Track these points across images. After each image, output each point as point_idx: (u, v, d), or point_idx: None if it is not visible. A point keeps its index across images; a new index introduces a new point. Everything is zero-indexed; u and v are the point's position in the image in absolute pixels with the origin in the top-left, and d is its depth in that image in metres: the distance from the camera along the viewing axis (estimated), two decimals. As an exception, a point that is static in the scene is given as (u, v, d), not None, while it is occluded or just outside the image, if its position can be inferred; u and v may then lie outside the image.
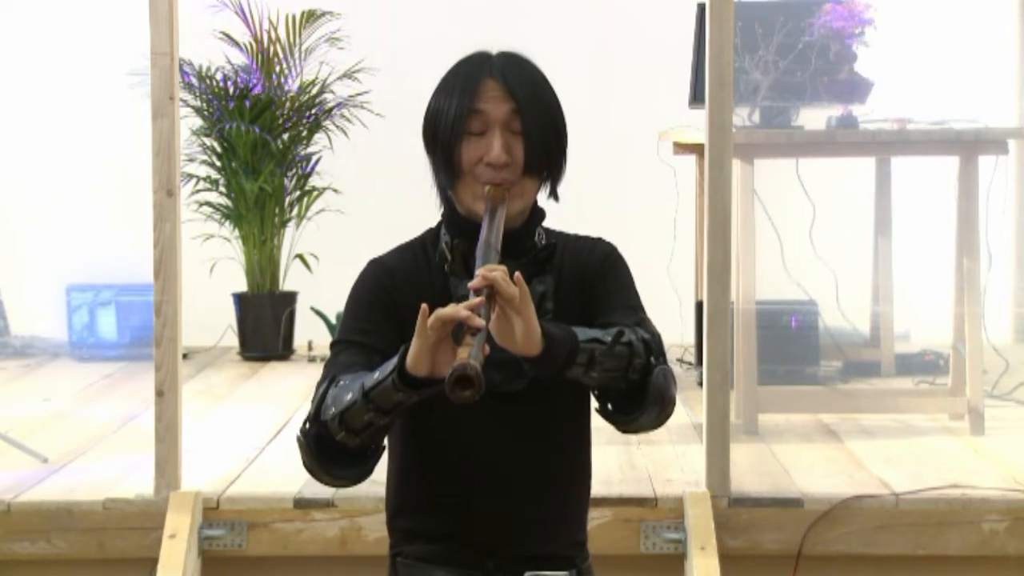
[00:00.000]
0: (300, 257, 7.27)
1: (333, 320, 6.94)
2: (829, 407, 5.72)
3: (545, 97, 2.71)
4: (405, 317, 2.62)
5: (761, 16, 5.57)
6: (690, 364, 6.60)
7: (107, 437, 5.40)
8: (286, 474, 4.64)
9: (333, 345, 2.72)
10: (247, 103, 7.09)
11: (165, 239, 4.42)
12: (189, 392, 5.44)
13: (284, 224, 7.23)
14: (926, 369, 6.34)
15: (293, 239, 7.27)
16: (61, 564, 4.48)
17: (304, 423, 2.62)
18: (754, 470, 4.82)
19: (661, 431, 5.31)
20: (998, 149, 5.51)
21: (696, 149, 6.13)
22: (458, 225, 2.73)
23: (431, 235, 2.78)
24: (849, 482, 4.67)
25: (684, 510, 4.42)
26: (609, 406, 2.65)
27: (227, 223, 7.21)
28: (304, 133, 7.24)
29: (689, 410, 5.68)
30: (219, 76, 7.13)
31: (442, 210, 2.77)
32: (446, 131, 2.68)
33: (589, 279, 2.75)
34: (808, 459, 5.01)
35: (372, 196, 7.30)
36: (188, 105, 7.06)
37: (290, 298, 7.19)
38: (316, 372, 2.70)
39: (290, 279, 7.27)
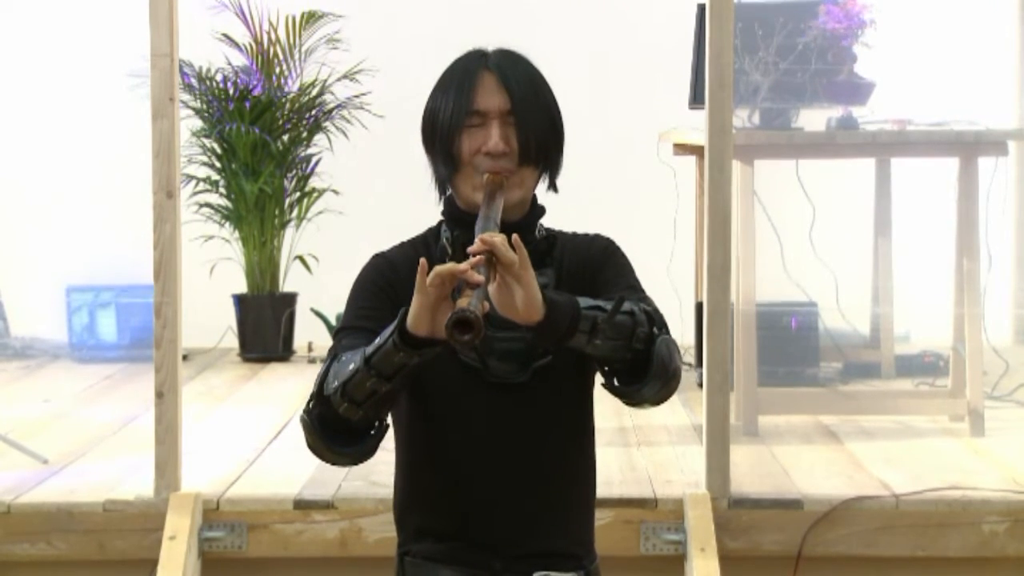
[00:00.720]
0: (300, 258, 7.27)
1: (333, 321, 6.93)
2: (829, 408, 5.72)
3: (541, 89, 2.75)
4: (405, 306, 2.63)
5: (761, 17, 5.57)
6: (690, 365, 6.59)
7: (107, 438, 5.40)
8: (286, 475, 4.64)
9: (335, 334, 2.74)
10: (247, 104, 7.09)
11: (165, 240, 4.42)
12: (189, 393, 5.44)
13: (284, 225, 7.23)
14: (926, 370, 6.34)
15: (293, 240, 7.27)
16: (61, 565, 4.48)
17: (307, 403, 2.64)
18: (754, 471, 4.82)
19: (661, 432, 5.35)
20: (998, 150, 5.51)
21: (696, 150, 6.13)
22: (458, 219, 2.75)
23: (432, 232, 2.81)
24: (849, 483, 4.67)
25: (684, 511, 4.42)
26: (615, 381, 2.65)
27: (227, 224, 7.21)
28: (304, 134, 7.24)
29: (689, 411, 5.68)
30: (219, 77, 7.13)
31: (442, 207, 2.78)
32: (444, 124, 2.71)
33: (589, 271, 2.77)
34: (808, 460, 5.01)
35: (372, 197, 7.29)
36: (188, 106, 7.06)
37: (290, 299, 7.19)
38: (316, 373, 2.70)
39: (290, 280, 7.27)
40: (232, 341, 7.30)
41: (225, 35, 7.17)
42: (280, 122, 7.17)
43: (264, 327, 7.16)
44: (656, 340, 2.61)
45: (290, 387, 6.37)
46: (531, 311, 2.50)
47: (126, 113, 6.58)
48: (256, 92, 7.14)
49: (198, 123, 7.18)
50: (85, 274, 7.39)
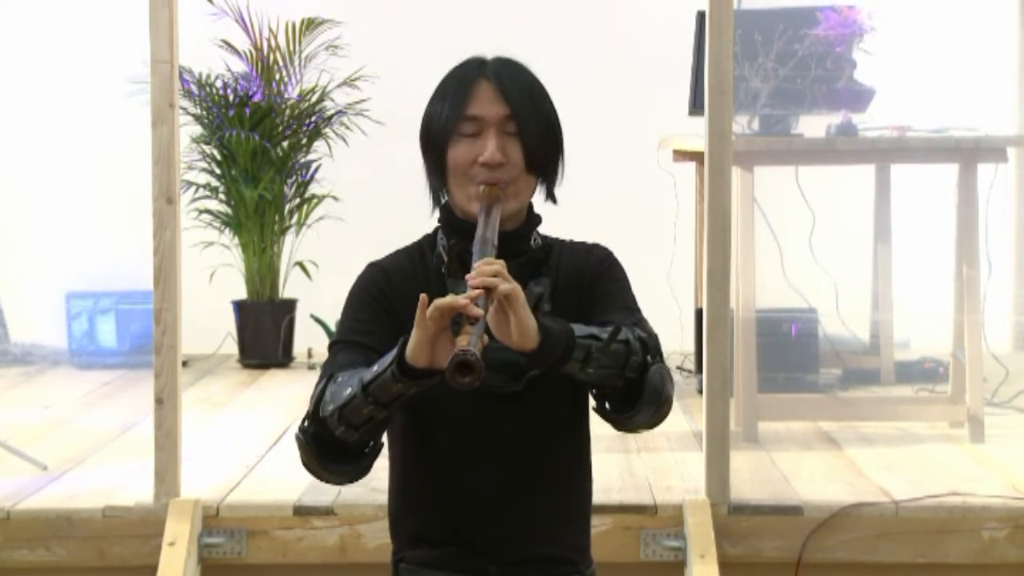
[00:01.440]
0: (300, 264, 7.27)
1: (332, 328, 6.93)
2: (829, 415, 5.72)
3: (539, 99, 2.73)
4: (402, 319, 2.63)
5: (761, 24, 5.57)
6: (690, 371, 6.59)
7: (106, 445, 5.40)
8: (286, 481, 4.64)
9: (331, 346, 2.74)
10: (247, 111, 7.09)
11: (165, 246, 4.42)
12: (188, 400, 5.44)
13: (284, 231, 7.23)
14: (926, 377, 6.34)
15: (293, 246, 7.27)
16: (60, 572, 4.48)
17: (303, 421, 2.64)
18: (754, 477, 4.82)
19: (660, 438, 5.35)
20: (997, 157, 5.51)
21: (696, 157, 6.13)
22: (454, 227, 2.74)
23: (428, 240, 2.80)
24: (849, 490, 4.67)
25: (684, 518, 4.42)
26: (606, 405, 2.65)
27: (227, 230, 7.21)
28: (304, 140, 7.24)
29: (689, 418, 5.68)
30: (219, 84, 7.13)
31: (438, 214, 2.78)
32: (440, 132, 2.71)
33: (586, 282, 2.76)
34: (808, 467, 5.01)
35: (372, 203, 7.29)
36: (188, 112, 7.06)
37: (290, 305, 7.19)
38: (316, 379, 2.70)
39: (290, 286, 7.27)
40: (232, 347, 7.30)
41: (225, 41, 7.17)
42: (280, 128, 7.17)
43: (264, 333, 7.16)
44: (650, 369, 2.61)
45: (290, 393, 6.37)
46: (525, 339, 2.50)
47: (126, 119, 6.58)
48: (256, 98, 7.14)
49: (198, 129, 7.18)
50: (85, 280, 7.39)
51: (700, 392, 4.93)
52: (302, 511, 4.47)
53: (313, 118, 7.22)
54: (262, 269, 7.16)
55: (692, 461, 4.90)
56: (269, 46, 7.17)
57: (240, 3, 7.13)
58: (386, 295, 2.73)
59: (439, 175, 2.73)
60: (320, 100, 7.21)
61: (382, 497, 2.84)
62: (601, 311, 2.72)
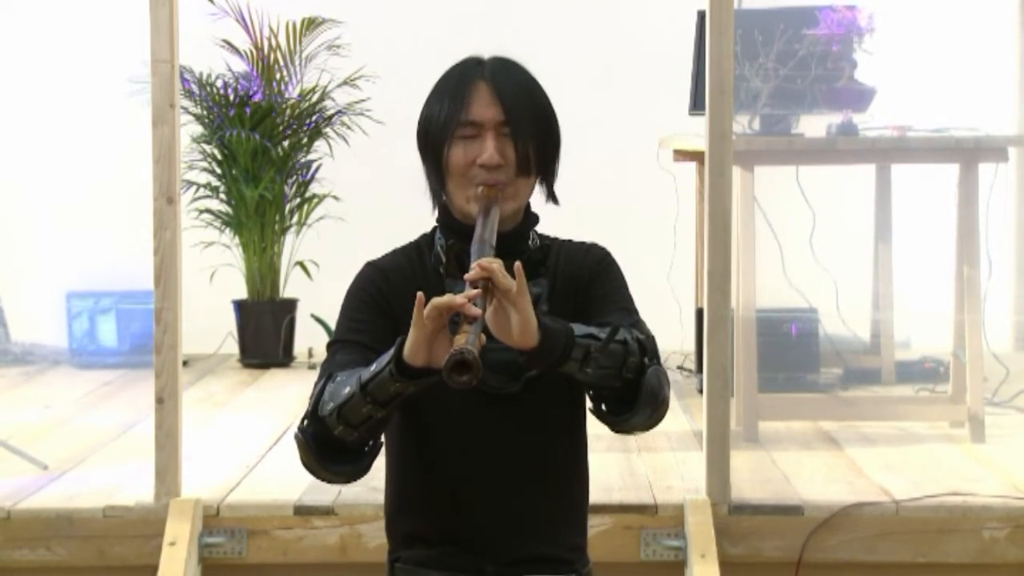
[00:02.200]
0: (300, 264, 7.27)
1: (333, 327, 6.93)
2: (829, 414, 5.72)
3: (536, 100, 2.73)
4: (400, 319, 2.64)
5: (761, 23, 5.57)
6: (690, 371, 6.59)
7: (107, 444, 5.40)
8: (286, 481, 4.64)
9: (329, 346, 2.75)
10: (247, 110, 7.09)
11: (165, 246, 4.42)
12: (189, 399, 5.44)
13: (284, 231, 7.23)
14: (926, 376, 6.34)
15: (293, 246, 7.27)
16: (61, 572, 4.48)
17: (302, 421, 2.64)
18: (754, 477, 4.82)
19: (661, 438, 5.35)
20: (998, 157, 5.51)
21: (696, 156, 6.13)
22: (452, 228, 2.74)
23: (426, 239, 2.80)
24: (849, 489, 4.67)
25: (684, 517, 4.42)
26: (603, 406, 2.66)
27: (227, 230, 7.21)
28: (304, 140, 7.24)
29: (689, 417, 5.68)
30: (219, 83, 7.13)
31: (436, 214, 2.78)
32: (437, 134, 2.71)
33: (583, 282, 2.76)
34: (808, 466, 5.01)
35: (372, 203, 7.29)
36: (188, 112, 7.06)
37: (290, 305, 7.19)
38: (315, 381, 2.70)
39: (290, 286, 7.26)
40: (232, 347, 7.30)
41: (225, 41, 7.17)
42: (280, 128, 7.17)
43: (264, 333, 7.16)
44: (647, 370, 2.61)
45: (290, 393, 6.37)
46: (526, 337, 2.50)
47: (126, 119, 6.59)
48: (256, 98, 7.14)
49: (198, 129, 7.18)
50: (85, 280, 7.38)
51: (700, 392, 4.93)
52: (302, 511, 4.47)
53: (314, 118, 7.22)
54: (262, 269, 7.16)
55: (692, 461, 4.90)
56: (270, 46, 7.17)
57: (240, 3, 7.13)
58: (384, 294, 2.73)
59: (437, 176, 2.73)
60: (321, 100, 7.21)
61: (382, 496, 2.84)
62: (599, 312, 2.72)
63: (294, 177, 7.25)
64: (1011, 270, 7.38)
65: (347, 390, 2.56)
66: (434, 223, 2.80)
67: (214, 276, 7.16)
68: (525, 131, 2.70)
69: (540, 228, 2.81)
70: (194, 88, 7.08)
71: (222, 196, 7.20)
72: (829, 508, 4.47)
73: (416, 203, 2.85)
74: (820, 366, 6.25)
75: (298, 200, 7.26)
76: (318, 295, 7.05)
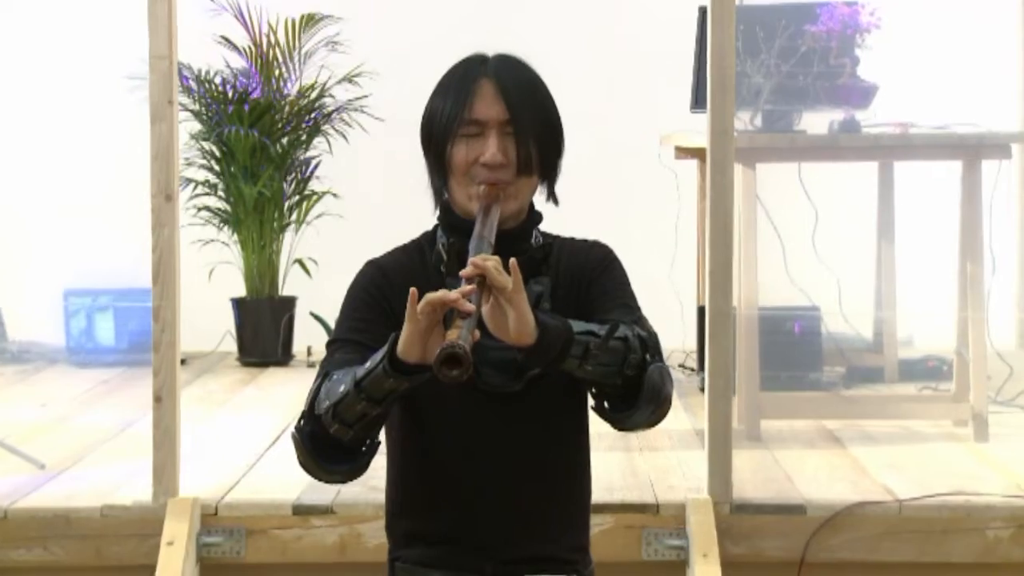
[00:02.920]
0: (299, 262, 7.27)
1: (332, 325, 6.92)
2: (832, 413, 5.71)
3: (540, 98, 2.74)
4: (400, 317, 2.63)
5: (763, 19, 5.56)
6: (692, 370, 6.59)
7: (105, 443, 5.39)
8: (285, 480, 4.64)
9: (329, 345, 2.75)
10: (246, 107, 7.09)
11: (163, 244, 4.42)
12: (187, 398, 5.43)
13: (283, 229, 7.23)
14: (930, 375, 6.34)
15: (292, 244, 7.26)
16: (58, 572, 4.47)
17: (299, 420, 2.64)
18: (756, 476, 4.81)
19: (662, 437, 5.34)
20: (1001, 153, 5.51)
21: (698, 154, 6.13)
22: (454, 226, 2.74)
23: (427, 237, 2.81)
24: (852, 489, 4.67)
25: (686, 517, 4.41)
26: (605, 403, 2.65)
27: (226, 228, 7.20)
28: (303, 137, 7.23)
29: (691, 416, 5.68)
30: (218, 80, 7.12)
31: (438, 212, 2.78)
32: (440, 132, 2.71)
33: (585, 280, 2.76)
34: (811, 465, 5.00)
35: (372, 200, 7.29)
36: (187, 109, 7.05)
37: (289, 303, 7.19)
38: (314, 379, 2.70)
39: (289, 284, 7.26)
40: (231, 345, 7.29)
41: (224, 38, 7.16)
42: (279, 125, 7.17)
43: (263, 331, 7.15)
44: (648, 367, 2.61)
45: (289, 392, 6.36)
46: (523, 334, 2.50)
47: (124, 116, 6.58)
48: (255, 95, 7.13)
49: (197, 126, 7.17)
50: (83, 277, 7.38)
51: (702, 390, 4.92)
52: (301, 510, 4.47)
53: (313, 114, 7.22)
54: (261, 266, 7.15)
55: (694, 460, 4.89)
56: (268, 42, 7.17)
57: (239, -1, 7.13)
58: (384, 293, 2.73)
59: (440, 174, 2.73)
60: (320, 96, 7.21)
61: (382, 496, 2.84)
62: (601, 309, 2.72)
63: (293, 174, 7.24)
64: (1015, 267, 7.38)
65: (342, 388, 2.56)
66: (435, 221, 2.80)
67: (212, 274, 7.15)
68: (528, 131, 2.70)
69: (541, 226, 2.80)
70: (192, 85, 7.07)
71: (220, 193, 7.20)
72: (832, 508, 4.46)
73: (417, 201, 2.85)
74: (823, 364, 6.24)
75: (297, 197, 7.26)
76: (317, 293, 7.04)
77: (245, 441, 5.38)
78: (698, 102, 5.93)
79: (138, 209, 4.74)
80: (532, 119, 2.71)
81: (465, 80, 2.72)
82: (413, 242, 2.82)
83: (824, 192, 6.02)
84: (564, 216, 2.89)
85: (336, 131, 7.25)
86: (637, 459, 5.05)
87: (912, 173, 6.60)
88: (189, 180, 7.13)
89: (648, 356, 2.63)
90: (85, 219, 7.58)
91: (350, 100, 7.23)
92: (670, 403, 2.67)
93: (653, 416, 2.65)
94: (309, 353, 7.24)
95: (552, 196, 2.78)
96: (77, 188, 7.62)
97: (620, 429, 2.69)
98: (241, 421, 5.85)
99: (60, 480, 4.84)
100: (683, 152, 6.39)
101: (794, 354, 6.11)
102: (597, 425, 2.76)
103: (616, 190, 7.45)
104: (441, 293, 2.46)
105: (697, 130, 5.82)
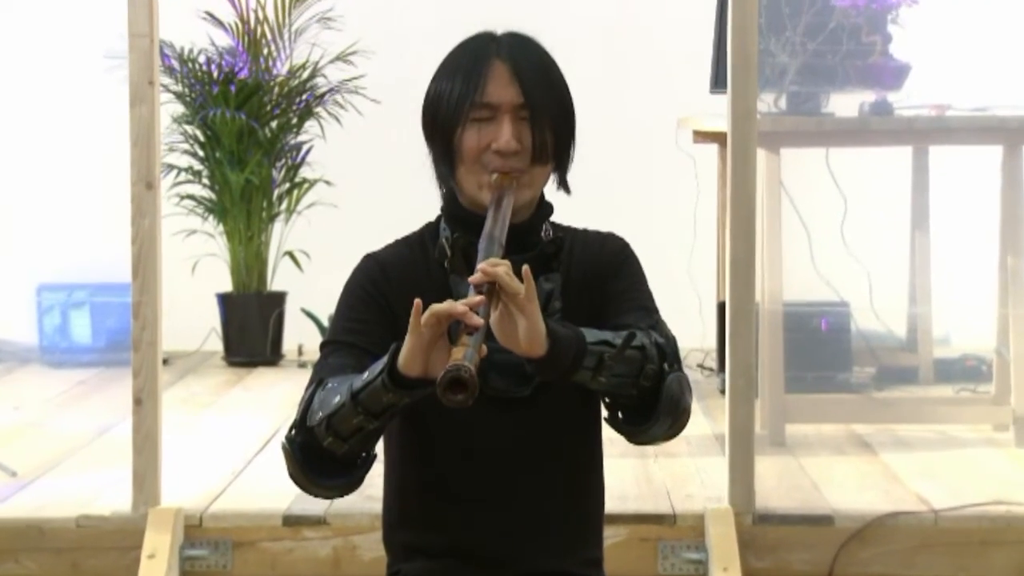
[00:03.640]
0: (290, 255, 7.28)
1: (325, 322, 6.94)
2: (862, 416, 5.72)
3: (555, 81, 2.73)
4: (400, 317, 2.64)
5: (788, -7, 5.57)
6: (711, 370, 6.60)
7: (81, 449, 5.41)
8: (274, 489, 4.64)
9: (323, 346, 2.74)
10: (232, 88, 7.09)
11: (144, 235, 4.43)
12: (170, 400, 5.44)
13: (272, 219, 7.23)
14: (968, 376, 6.34)
15: (282, 235, 7.27)
16: (31, 586, 4.49)
17: (290, 430, 2.64)
18: (781, 485, 4.82)
19: (680, 443, 5.34)
20: (1045, 137, 5.51)
21: (718, 138, 6.13)
22: (459, 218, 2.74)
23: (430, 229, 2.79)
24: (884, 498, 4.68)
25: (705, 528, 4.42)
26: (619, 414, 2.65)
27: (211, 218, 7.21)
28: (294, 120, 7.24)
29: (711, 420, 5.68)
30: (202, 59, 7.13)
31: (442, 203, 2.77)
32: (449, 116, 2.69)
33: (600, 277, 2.76)
34: (840, 473, 5.01)
35: (368, 189, 7.29)
36: (169, 90, 7.06)
37: (279, 299, 7.20)
38: (307, 378, 2.71)
39: (279, 278, 7.27)
40: (216, 344, 7.30)
41: (208, 14, 7.17)
42: (268, 107, 7.18)
43: (251, 329, 7.16)
44: (666, 378, 2.61)
45: (279, 393, 6.38)
46: (534, 345, 2.50)
47: (102, 98, 6.58)
48: (242, 75, 7.14)
49: (179, 108, 7.18)
50: (57, 271, 7.39)
51: (722, 392, 4.93)
52: (292, 521, 4.48)
53: (304, 96, 7.23)
54: (249, 259, 7.17)
55: (714, 467, 4.90)
56: (256, 18, 7.17)
57: (225, -28, 7.14)
58: (382, 290, 2.73)
59: (447, 161, 2.72)
60: (311, 77, 7.21)
61: (378, 506, 2.84)
62: (615, 310, 2.72)
63: (283, 160, 7.25)
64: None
65: (337, 399, 2.56)
66: (438, 212, 2.79)
67: (196, 267, 7.16)
68: (544, 115, 2.70)
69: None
70: (175, 64, 7.08)
71: (205, 181, 7.21)
72: (862, 518, 4.47)
73: (417, 189, 2.85)
74: (852, 364, 6.25)
75: (287, 185, 7.26)
76: (309, 288, 7.05)
77: (232, 447, 5.39)
78: (718, 82, 5.94)
79: (117, 198, 4.75)
80: (548, 103, 2.70)
81: (476, 60, 2.70)
82: (414, 234, 2.80)
83: (854, 179, 6.03)
84: (574, 205, 2.89)
85: (329, 114, 7.26)
86: (652, 466, 5.06)
87: (949, 159, 6.60)
88: (171, 167, 7.14)
89: (666, 365, 2.62)
90: (60, 208, 7.59)
91: (344, 80, 7.24)
92: (689, 415, 2.67)
93: (671, 430, 2.65)
94: (300, 352, 7.25)
95: (564, 184, 2.78)
96: (51, 175, 7.63)
97: (635, 443, 2.69)
98: (227, 425, 5.86)
99: (33, 488, 4.85)
100: (702, 136, 6.39)
101: (821, 353, 6.11)
102: (610, 430, 2.76)
103: (630, 177, 7.45)
104: (447, 305, 2.45)
105: (717, 113, 5.83)
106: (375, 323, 2.71)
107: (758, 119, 4.49)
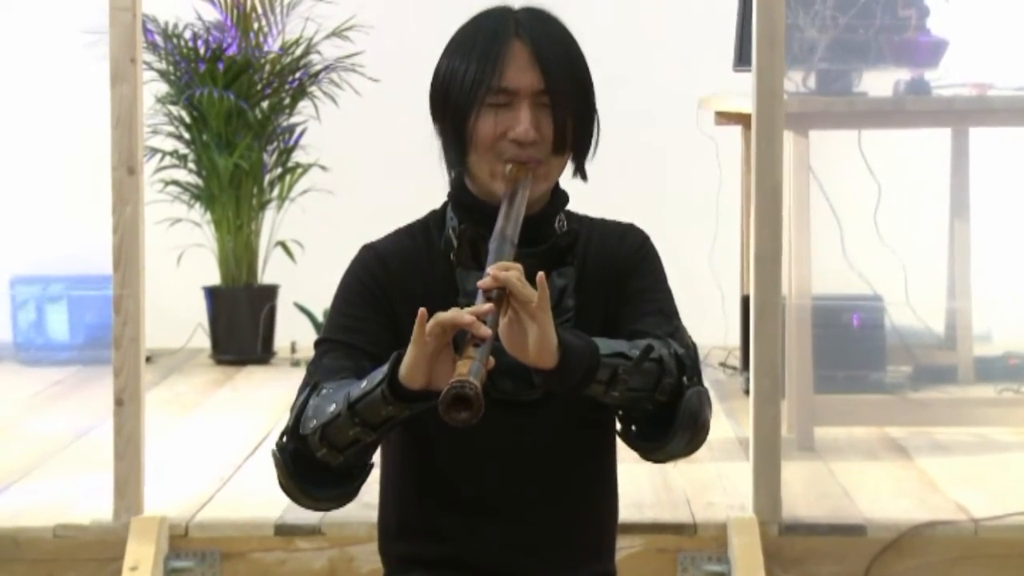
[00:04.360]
0: (282, 245, 7.29)
1: (320, 318, 6.95)
2: (897, 419, 5.72)
3: (576, 64, 2.71)
4: (400, 313, 2.64)
5: (818, -36, 5.58)
6: (735, 369, 6.60)
7: (58, 453, 5.41)
8: (265, 496, 4.65)
9: (317, 344, 2.73)
10: (220, 66, 7.10)
11: (125, 224, 4.43)
12: (153, 401, 5.45)
13: (263, 206, 7.24)
14: (1011, 375, 6.34)
15: (274, 224, 7.28)
16: (5, 600, 4.50)
17: (281, 436, 2.63)
18: (809, 492, 4.83)
19: (701, 447, 5.35)
20: (1094, 119, 5.52)
21: (742, 119, 6.14)
22: (468, 207, 2.72)
23: (435, 218, 2.78)
24: (920, 506, 4.68)
25: (728, 538, 4.43)
26: (633, 428, 2.65)
27: (197, 205, 7.22)
28: (287, 101, 7.25)
29: (734, 423, 5.69)
30: (188, 35, 7.14)
31: (449, 189, 2.76)
32: (462, 99, 2.67)
33: (618, 273, 2.75)
34: (872, 479, 5.01)
35: (366, 174, 7.30)
36: (152, 68, 7.07)
37: (270, 292, 7.20)
38: (300, 378, 2.71)
39: (270, 270, 7.28)
40: (203, 341, 7.31)
41: (195, -15, 7.19)
42: (259, 86, 7.18)
43: (240, 324, 7.17)
44: (685, 393, 2.61)
45: (270, 394, 6.38)
46: (544, 356, 2.49)
47: (80, 76, 6.60)
48: (231, 52, 7.15)
49: (164, 88, 7.19)
50: (31, 263, 7.40)
51: (746, 393, 4.94)
52: (284, 530, 4.48)
53: (297, 75, 7.23)
54: (238, 250, 7.17)
55: (737, 473, 4.90)
56: (246, -9, 7.18)
57: (212, -59, 7.15)
58: (381, 285, 2.72)
59: (457, 147, 2.70)
60: (305, 53, 7.22)
61: (376, 514, 2.85)
62: (632, 314, 2.71)
63: (275, 144, 7.26)
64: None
65: (333, 408, 2.55)
66: (444, 199, 2.77)
67: (182, 258, 7.17)
68: (566, 103, 2.68)
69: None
70: (159, 40, 7.09)
71: (191, 166, 7.21)
72: (897, 528, 4.48)
73: (420, 174, 2.85)
74: (886, 363, 6.25)
75: (279, 170, 7.27)
76: (302, 281, 7.06)
77: (220, 451, 5.40)
78: (742, 59, 5.94)
79: (96, 184, 4.76)
80: (570, 89, 2.68)
81: (493, 39, 2.67)
82: (418, 222, 2.79)
83: (888, 164, 6.03)
84: (586, 192, 2.88)
85: (324, 93, 7.26)
86: (671, 472, 5.07)
87: (990, 142, 6.60)
88: (155, 150, 7.15)
89: (685, 379, 2.62)
90: (34, 195, 7.60)
91: (340, 58, 7.24)
92: (708, 431, 2.66)
93: (689, 446, 2.65)
94: (293, 350, 7.26)
95: (581, 172, 2.76)
96: (25, 158, 7.63)
97: (650, 460, 2.69)
98: (215, 428, 5.87)
99: (7, 496, 4.86)
100: (725, 118, 6.40)
101: (853, 351, 6.12)
102: (625, 433, 2.77)
103: (646, 162, 7.45)
104: (453, 314, 2.44)
105: (741, 92, 5.83)
106: (373, 320, 2.70)
107: (785, 99, 4.49)
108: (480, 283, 2.48)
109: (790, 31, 5.12)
